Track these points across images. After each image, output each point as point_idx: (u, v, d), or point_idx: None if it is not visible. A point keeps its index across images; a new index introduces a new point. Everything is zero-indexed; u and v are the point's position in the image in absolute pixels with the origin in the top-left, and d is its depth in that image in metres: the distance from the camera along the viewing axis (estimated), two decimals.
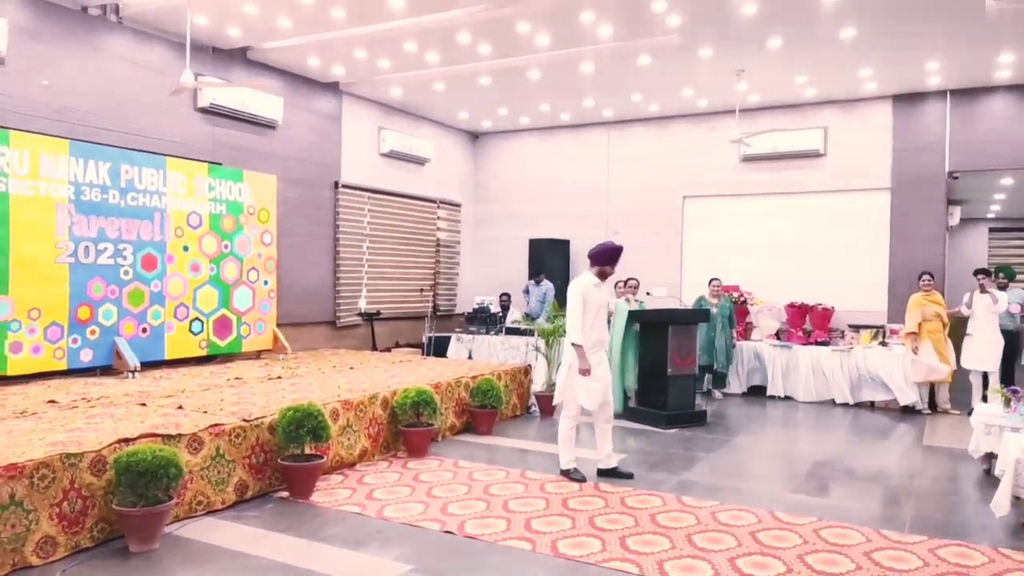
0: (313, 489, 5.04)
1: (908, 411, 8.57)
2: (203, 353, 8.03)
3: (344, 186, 10.40)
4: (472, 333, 10.63)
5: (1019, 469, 4.53)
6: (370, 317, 10.70)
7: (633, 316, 8.10)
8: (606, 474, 5.61)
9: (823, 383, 9.16)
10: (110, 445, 4.14)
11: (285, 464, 4.98)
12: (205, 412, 5.14)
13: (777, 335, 9.93)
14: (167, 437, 4.44)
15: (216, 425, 4.78)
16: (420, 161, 11.79)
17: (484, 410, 7.12)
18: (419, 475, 5.57)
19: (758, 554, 4.06)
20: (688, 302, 10.11)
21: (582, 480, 5.47)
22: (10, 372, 6.36)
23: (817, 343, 9.41)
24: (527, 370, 8.41)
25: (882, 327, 9.37)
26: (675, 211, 11.48)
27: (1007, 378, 8.28)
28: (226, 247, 8.24)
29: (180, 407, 5.33)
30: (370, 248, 10.91)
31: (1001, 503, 4.58)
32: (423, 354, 10.28)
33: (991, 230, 15.44)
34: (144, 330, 7.41)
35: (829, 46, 8.10)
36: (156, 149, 7.88)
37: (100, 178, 7.05)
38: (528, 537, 4.28)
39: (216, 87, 8.23)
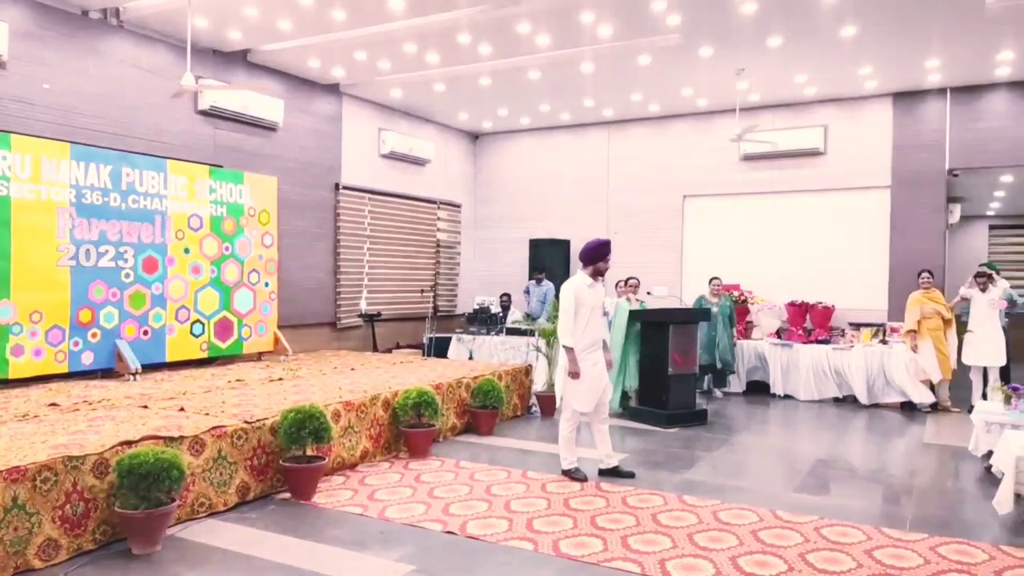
0: (315, 490, 5.05)
1: (909, 409, 8.57)
2: (204, 355, 8.03)
3: (345, 187, 10.41)
4: (473, 334, 10.64)
5: (1020, 466, 4.53)
6: (371, 318, 10.71)
7: (634, 316, 8.11)
8: (607, 474, 5.60)
9: (824, 381, 9.16)
10: (112, 448, 4.15)
11: (287, 465, 4.99)
12: (207, 414, 5.15)
13: (778, 334, 9.94)
14: (169, 439, 4.45)
15: (218, 427, 4.79)
16: (420, 162, 11.80)
17: (485, 410, 7.13)
18: (420, 476, 5.58)
19: (760, 553, 4.06)
20: (688, 301, 10.12)
21: (583, 479, 5.46)
22: (11, 376, 6.37)
23: (818, 341, 9.41)
24: (528, 370, 8.42)
25: (882, 325, 9.37)
26: (675, 210, 11.48)
27: (1004, 374, 8.28)
28: (227, 249, 8.25)
29: (182, 409, 5.34)
30: (371, 249, 10.92)
31: (1004, 500, 4.59)
32: (424, 355, 10.29)
33: (991, 227, 15.44)
34: (145, 332, 7.42)
35: (829, 44, 8.10)
36: (157, 152, 7.90)
37: (101, 181, 7.06)
38: (530, 537, 4.29)
39: (217, 89, 8.24)
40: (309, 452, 5.11)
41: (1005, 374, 8.32)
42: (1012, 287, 8.86)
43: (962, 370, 8.61)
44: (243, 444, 4.89)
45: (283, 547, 4.16)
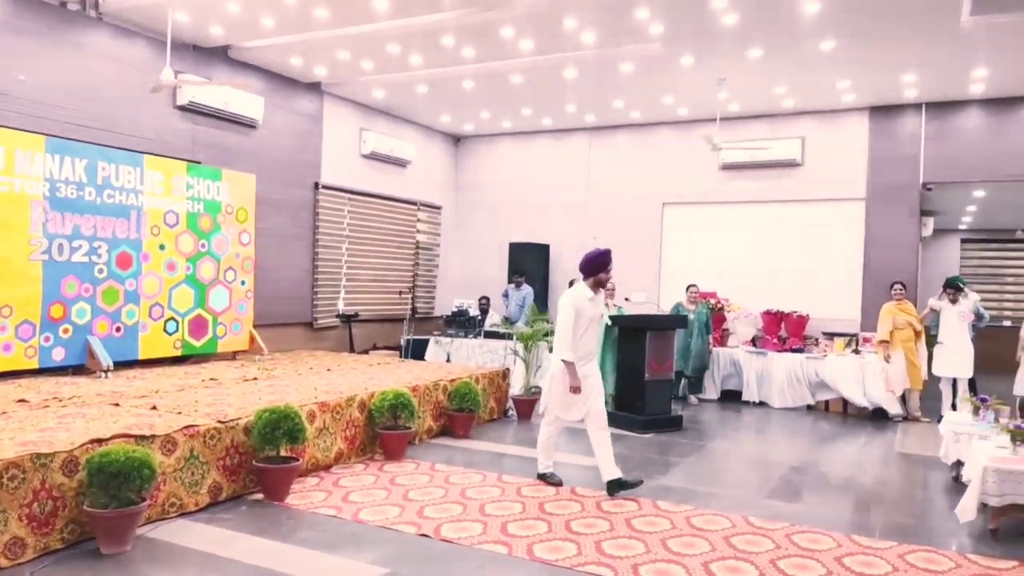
0: (288, 491, 5.01)
1: (880, 418, 8.69)
2: (178, 353, 7.94)
3: (324, 187, 10.36)
4: (451, 336, 10.62)
5: (986, 476, 4.62)
6: (348, 319, 10.65)
7: (611, 321, 8.14)
8: (616, 486, 5.23)
9: (798, 389, 9.26)
10: (82, 445, 4.08)
11: (260, 466, 4.94)
12: (179, 413, 5.09)
13: (753, 342, 10.04)
14: (140, 438, 4.39)
15: (190, 426, 4.74)
16: (401, 163, 11.77)
17: (462, 413, 7.12)
18: (395, 478, 5.56)
19: (732, 558, 4.10)
20: (666, 308, 10.19)
21: (559, 484, 5.45)
22: None
23: (792, 350, 9.52)
24: (505, 374, 8.42)
25: (855, 335, 9.50)
26: (655, 218, 11.56)
27: (972, 386, 8.43)
28: (203, 246, 8.17)
29: (154, 408, 5.27)
30: (349, 249, 10.87)
31: (967, 509, 4.68)
32: (401, 356, 10.25)
33: (963, 241, 15.71)
34: (118, 329, 7.32)
35: (808, 57, 8.21)
36: (134, 147, 7.80)
37: (76, 175, 6.96)
38: (504, 541, 4.29)
39: (196, 85, 8.17)
40: (283, 453, 5.06)
41: (973, 385, 8.47)
42: (982, 300, 9.03)
43: (932, 381, 8.76)
44: (216, 444, 4.84)
45: (255, 548, 4.12)
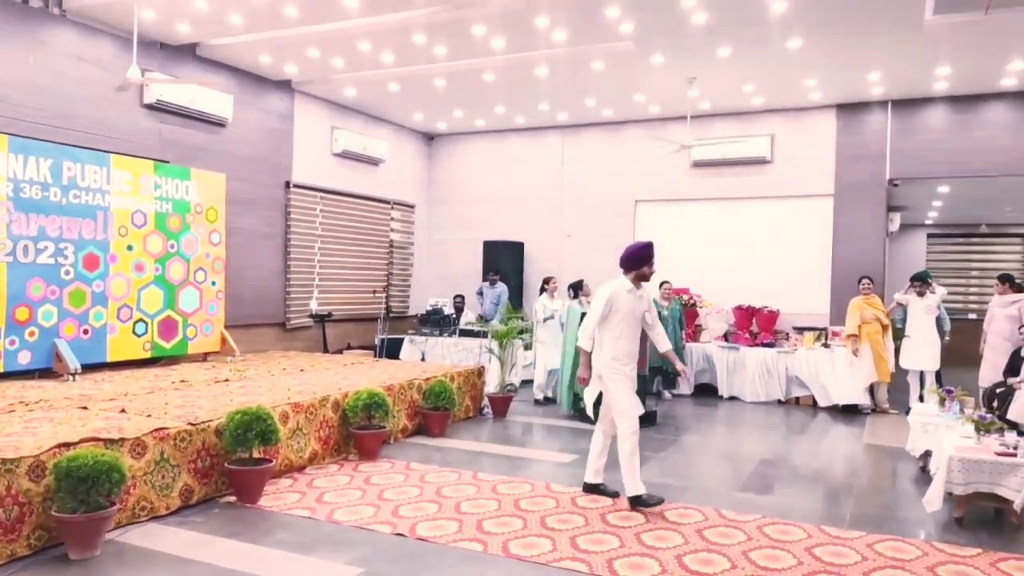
0: (261, 493, 4.97)
1: (850, 411, 8.83)
2: (147, 355, 7.83)
3: (296, 186, 10.27)
4: (425, 335, 10.60)
5: (951, 466, 4.72)
6: (321, 319, 10.58)
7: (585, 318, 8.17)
8: (591, 490, 5.19)
9: (769, 383, 9.38)
10: (49, 450, 4.01)
11: (232, 468, 4.90)
12: (149, 416, 5.02)
13: (725, 337, 10.14)
14: (109, 441, 4.33)
15: (160, 429, 4.68)
16: (374, 161, 11.71)
17: (437, 412, 7.11)
18: (370, 478, 5.54)
19: (704, 551, 4.14)
20: None
21: (616, 496, 5.07)
22: None
23: (763, 345, 9.64)
24: (480, 372, 8.42)
25: (824, 329, 9.65)
26: (627, 215, 11.63)
27: (939, 378, 8.61)
28: (172, 247, 8.06)
29: (123, 411, 5.19)
30: (322, 249, 10.79)
31: (934, 499, 4.78)
32: (375, 356, 10.21)
33: (929, 236, 16.03)
34: (85, 332, 7.20)
35: (776, 56, 8.31)
36: (100, 146, 7.67)
37: (41, 175, 6.83)
38: (480, 538, 4.30)
39: (164, 83, 8.05)
40: (256, 454, 5.02)
41: (939, 378, 8.65)
42: (949, 293, 9.22)
43: (900, 373, 8.92)
44: (187, 446, 4.79)
45: (227, 551, 4.08)
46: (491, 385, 8.44)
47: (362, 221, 11.58)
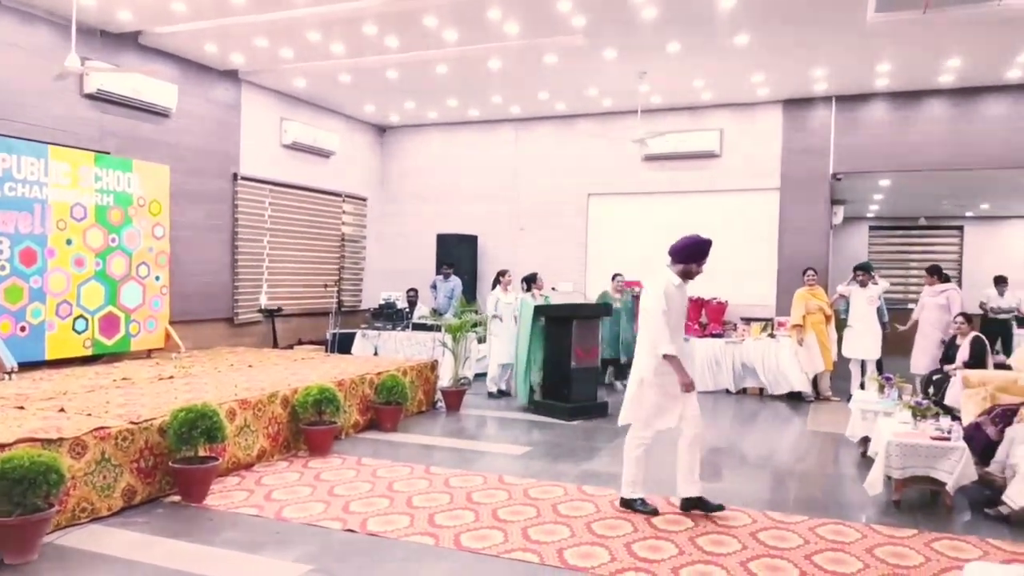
0: (207, 492, 4.87)
1: (794, 399, 9.06)
2: (88, 353, 7.61)
3: (243, 178, 10.06)
4: (378, 329, 10.52)
5: (890, 451, 4.89)
6: (271, 314, 10.40)
7: (538, 311, 8.22)
8: (692, 505, 4.69)
9: (718, 373, 9.56)
10: None
11: (177, 467, 4.79)
12: (89, 415, 4.88)
13: None
14: (47, 442, 4.19)
15: (101, 428, 4.55)
16: (324, 154, 11.55)
17: (389, 407, 7.07)
18: (320, 474, 5.48)
19: (652, 538, 4.21)
20: (592, 297, 10.34)
21: (654, 513, 4.61)
22: None
23: (712, 335, 9.82)
24: (434, 365, 8.39)
25: (770, 320, 9.87)
26: (580, 208, 11.70)
27: (880, 366, 8.89)
28: (113, 241, 7.83)
29: (62, 410, 5.03)
30: (271, 242, 10.60)
31: (874, 483, 4.94)
32: (327, 351, 10.10)
33: (871, 228, 16.50)
34: (23, 329, 6.96)
35: (724, 52, 8.44)
36: (37, 137, 7.40)
37: None
38: (431, 532, 4.29)
39: (104, 72, 7.80)
40: (201, 453, 4.92)
41: (880, 366, 8.93)
42: (890, 284, 9.52)
43: (842, 362, 9.18)
44: (129, 445, 4.67)
45: (172, 552, 3.99)
46: (444, 379, 8.42)
47: (313, 214, 11.41)
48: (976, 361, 7.26)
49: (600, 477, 5.51)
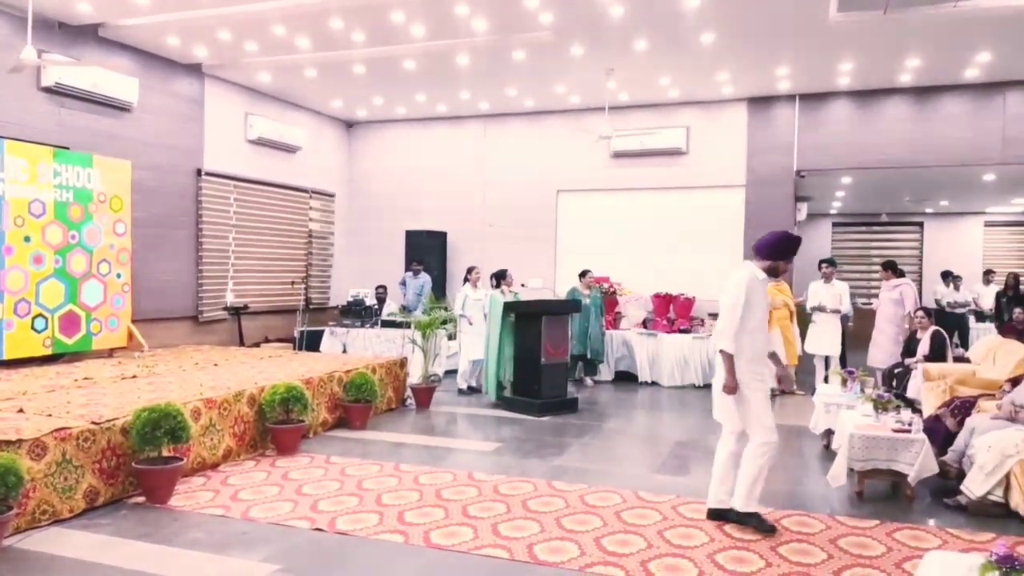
0: (172, 493, 4.79)
1: None
2: (48, 352, 7.43)
3: (208, 173, 9.90)
4: (346, 326, 10.44)
5: (852, 443, 4.99)
6: (237, 311, 10.27)
7: (508, 307, 8.23)
8: (744, 517, 4.34)
9: (686, 368, 9.67)
10: None
11: (140, 468, 4.71)
12: (49, 415, 4.77)
13: (644, 324, 10.38)
14: (6, 443, 4.09)
15: (62, 428, 4.45)
16: (291, 149, 11.41)
17: (358, 404, 7.02)
18: (288, 473, 5.42)
19: (621, 532, 4.25)
20: (561, 293, 10.37)
21: (771, 531, 4.23)
22: None
23: (680, 331, 9.92)
24: (403, 363, 8.35)
25: None
26: (549, 204, 11.73)
27: (843, 360, 9.07)
28: (73, 238, 7.66)
29: (21, 410, 4.91)
30: (237, 239, 10.45)
31: (837, 475, 5.03)
32: (294, 349, 10.00)
33: (834, 224, 16.82)
34: None
35: (690, 50, 8.51)
36: None
37: None
38: (401, 530, 4.28)
39: (62, 66, 7.61)
40: (165, 453, 4.84)
41: (844, 360, 9.11)
42: (852, 281, 9.70)
43: (806, 356, 9.34)
44: (91, 446, 4.57)
45: (137, 553, 3.93)
46: (414, 376, 8.38)
47: (279, 210, 11.28)
48: (936, 355, 7.44)
49: (570, 472, 5.53)
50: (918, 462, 4.83)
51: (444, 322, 8.62)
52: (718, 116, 10.80)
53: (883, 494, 5.12)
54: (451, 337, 9.51)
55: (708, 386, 9.43)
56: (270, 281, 11.11)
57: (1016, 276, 11.24)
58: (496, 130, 11.99)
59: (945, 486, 5.08)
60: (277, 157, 11.23)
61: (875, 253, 16.31)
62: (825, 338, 9.00)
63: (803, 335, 9.29)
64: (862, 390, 6.28)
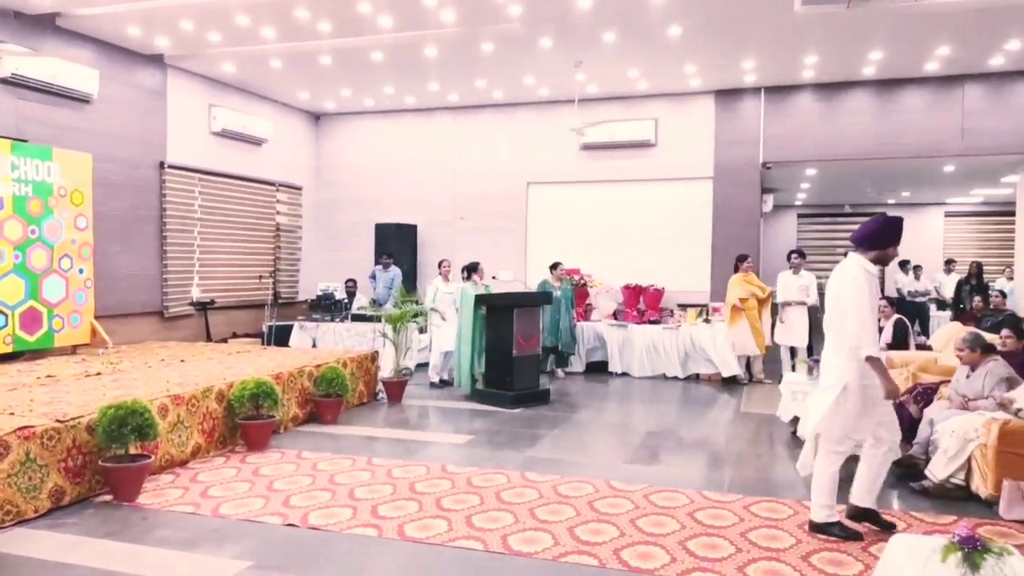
0: (140, 491, 4.72)
1: (729, 382, 9.32)
2: (8, 350, 7.25)
3: (171, 166, 9.72)
4: (316, 321, 10.35)
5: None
6: (203, 306, 10.12)
7: (479, 300, 8.22)
8: (861, 517, 4.22)
9: (656, 359, 9.76)
10: None
11: (107, 466, 4.63)
12: (12, 414, 4.66)
13: (615, 315, 10.45)
14: None
15: (25, 427, 4.35)
16: (257, 141, 11.25)
17: (329, 399, 6.97)
18: (259, 469, 5.37)
19: (594, 521, 4.28)
20: (532, 285, 10.40)
21: (856, 537, 4.05)
22: None
23: (650, 322, 10.00)
24: (374, 356, 8.30)
25: (705, 305, 10.12)
26: (520, 196, 11.73)
27: (810, 348, 9.22)
28: (33, 232, 7.47)
29: None
30: (202, 233, 10.29)
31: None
32: (263, 344, 9.88)
33: (799, 216, 17.09)
34: None
35: (657, 42, 8.56)
36: None
37: None
38: (374, 523, 4.26)
39: (20, 56, 7.41)
40: (133, 451, 4.76)
41: (811, 349, 9.25)
42: (818, 271, 9.86)
43: (775, 346, 9.48)
44: (55, 445, 4.48)
45: (104, 552, 3.86)
46: (386, 370, 8.34)
47: (245, 204, 11.12)
48: (899, 342, 7.60)
49: (543, 463, 5.56)
50: None
51: (415, 315, 8.58)
52: (686, 108, 10.88)
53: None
54: (422, 330, 9.48)
55: (676, 377, 9.62)
56: (237, 275, 10.96)
57: (979, 264, 11.53)
58: (465, 122, 11.95)
59: (910, 471, 5.20)
60: (243, 149, 11.07)
61: (839, 243, 16.60)
62: (795, 330, 9.14)
63: (772, 325, 9.42)
64: None
